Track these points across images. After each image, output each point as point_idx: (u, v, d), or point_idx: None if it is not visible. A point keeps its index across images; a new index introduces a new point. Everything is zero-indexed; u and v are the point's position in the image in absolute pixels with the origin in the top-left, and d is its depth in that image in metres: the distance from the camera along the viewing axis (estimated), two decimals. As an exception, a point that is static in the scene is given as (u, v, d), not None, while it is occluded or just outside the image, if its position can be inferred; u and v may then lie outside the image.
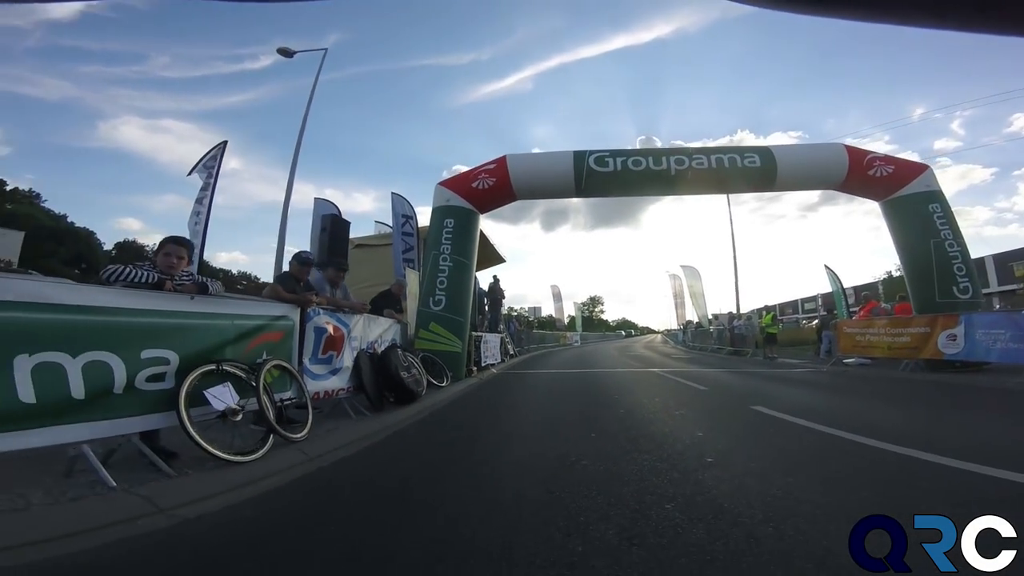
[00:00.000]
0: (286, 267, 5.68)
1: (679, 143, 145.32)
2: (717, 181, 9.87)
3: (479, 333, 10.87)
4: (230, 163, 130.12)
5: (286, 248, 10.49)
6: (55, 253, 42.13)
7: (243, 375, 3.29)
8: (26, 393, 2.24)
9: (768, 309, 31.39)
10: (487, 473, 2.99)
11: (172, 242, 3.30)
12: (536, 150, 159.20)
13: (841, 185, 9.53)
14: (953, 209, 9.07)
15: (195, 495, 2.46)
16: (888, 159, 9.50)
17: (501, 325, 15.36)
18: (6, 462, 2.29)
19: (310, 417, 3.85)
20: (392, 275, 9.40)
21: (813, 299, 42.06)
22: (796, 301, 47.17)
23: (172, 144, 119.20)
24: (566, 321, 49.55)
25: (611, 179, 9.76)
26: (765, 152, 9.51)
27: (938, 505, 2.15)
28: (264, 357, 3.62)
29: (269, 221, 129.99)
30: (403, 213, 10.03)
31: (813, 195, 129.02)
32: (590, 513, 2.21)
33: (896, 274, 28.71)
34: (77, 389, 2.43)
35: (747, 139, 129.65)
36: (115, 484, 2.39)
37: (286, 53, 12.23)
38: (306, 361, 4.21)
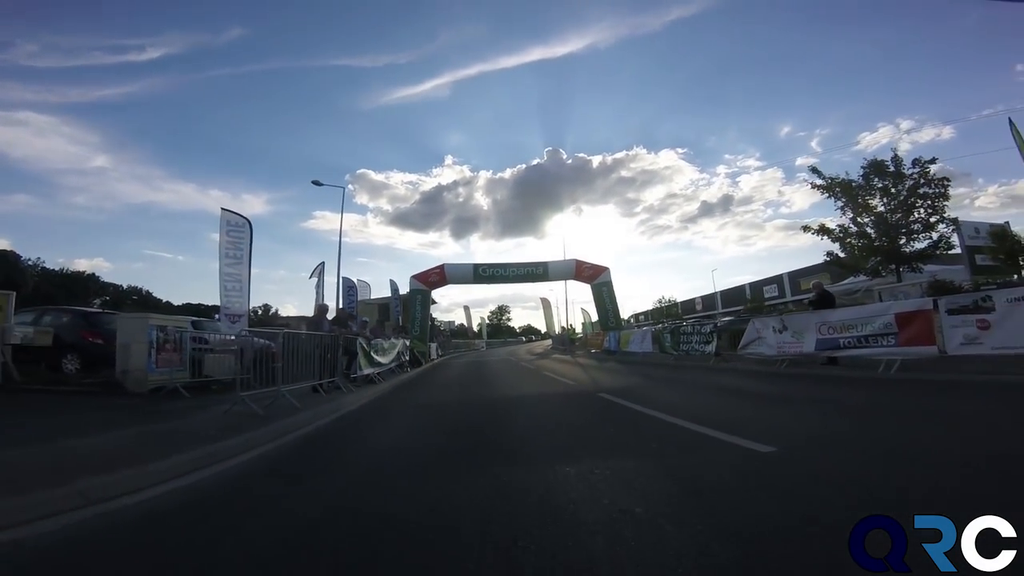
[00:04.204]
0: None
1: (582, 155, 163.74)
2: (534, 277, 23.53)
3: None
4: (96, 160, 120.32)
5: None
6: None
7: (385, 360, 15.55)
8: (371, 358, 14.42)
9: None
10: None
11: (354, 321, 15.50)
12: (449, 158, 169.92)
13: (574, 276, 23.64)
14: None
15: (362, 399, 14.71)
16: (592, 266, 23.74)
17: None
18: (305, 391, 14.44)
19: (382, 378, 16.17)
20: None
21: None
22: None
23: (28, 138, 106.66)
24: (476, 330, 63.21)
25: (489, 274, 22.94)
26: (543, 265, 23.36)
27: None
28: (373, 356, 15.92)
29: (140, 225, 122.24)
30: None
31: (693, 208, 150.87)
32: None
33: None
34: (370, 361, 14.63)
35: (641, 154, 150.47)
36: (346, 391, 14.63)
37: (317, 183, 23.49)
38: (377, 357, 16.41)
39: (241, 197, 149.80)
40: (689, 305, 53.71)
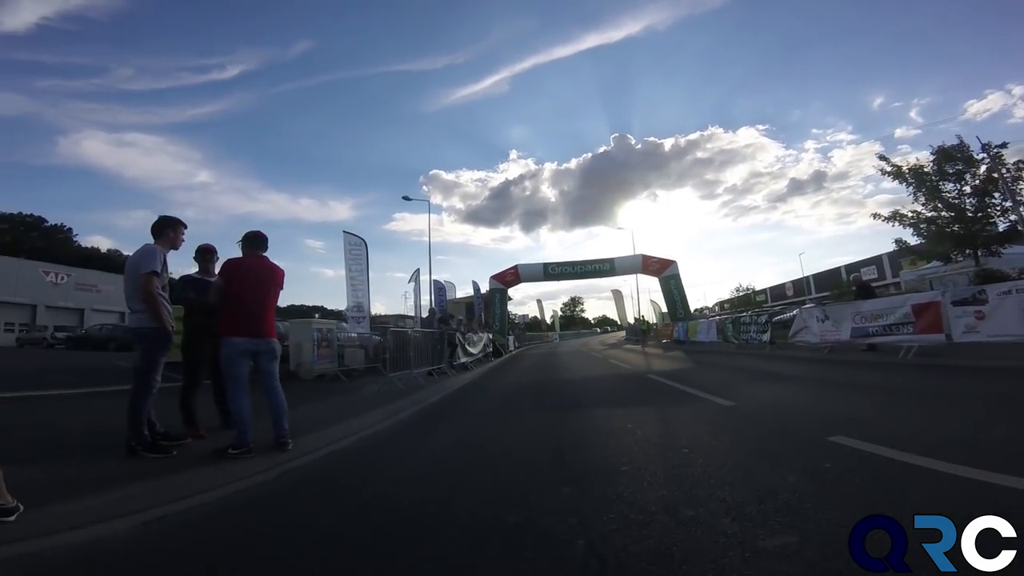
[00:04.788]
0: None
1: (652, 139, 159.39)
2: (601, 273, 25.19)
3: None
4: (200, 176, 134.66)
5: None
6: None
7: (475, 350, 18.18)
8: (466, 350, 17.12)
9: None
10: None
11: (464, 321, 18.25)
12: (513, 152, 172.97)
13: (641, 270, 24.90)
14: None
15: (464, 380, 17.27)
16: (658, 260, 24.82)
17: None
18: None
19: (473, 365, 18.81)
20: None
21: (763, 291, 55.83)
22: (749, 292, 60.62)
23: (138, 158, 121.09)
24: (549, 322, 65.58)
25: (558, 272, 25.01)
26: (610, 261, 24.85)
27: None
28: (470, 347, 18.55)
29: (239, 235, 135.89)
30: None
31: (781, 186, 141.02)
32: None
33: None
34: (464, 352, 17.32)
35: (717, 133, 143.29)
36: (451, 375, 17.27)
37: (407, 199, 26.90)
38: (470, 349, 19.05)
39: (328, 204, 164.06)
40: (779, 291, 51.49)
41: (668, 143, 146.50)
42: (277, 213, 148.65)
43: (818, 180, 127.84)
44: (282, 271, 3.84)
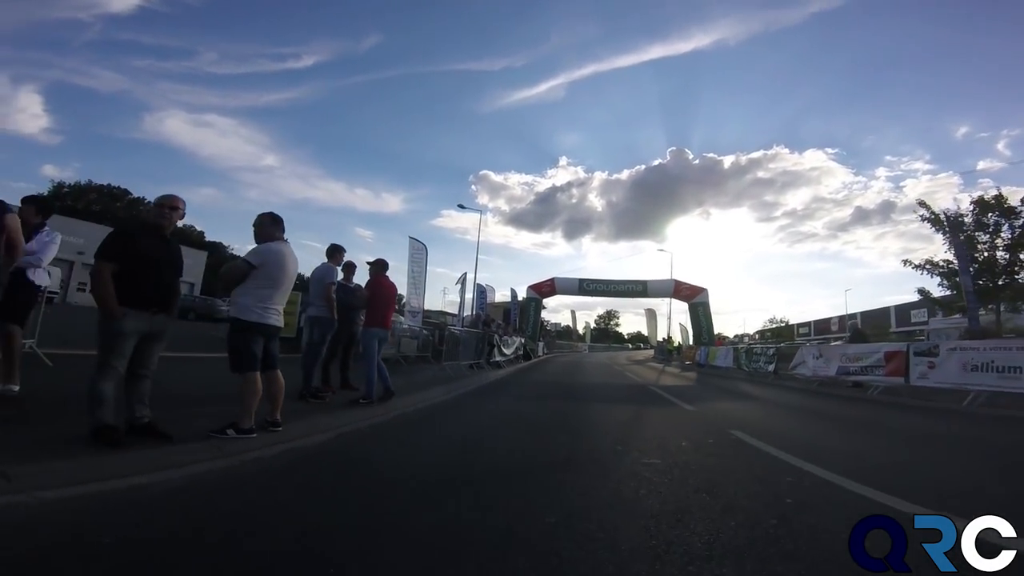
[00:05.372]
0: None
1: (712, 155, 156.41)
2: (634, 293, 26.83)
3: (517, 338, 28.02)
4: (266, 159, 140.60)
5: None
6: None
7: (508, 351, 20.34)
8: (501, 350, 19.32)
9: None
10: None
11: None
12: (563, 159, 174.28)
13: (672, 295, 26.33)
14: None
15: (500, 375, 19.42)
16: (690, 286, 26.19)
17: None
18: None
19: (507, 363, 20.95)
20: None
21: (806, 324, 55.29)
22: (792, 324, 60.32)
23: (214, 138, 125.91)
24: (581, 332, 67.11)
25: (592, 288, 26.87)
26: (643, 283, 26.43)
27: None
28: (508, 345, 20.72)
29: (298, 218, 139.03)
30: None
31: (845, 214, 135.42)
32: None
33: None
34: (500, 352, 19.51)
35: (782, 154, 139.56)
36: (488, 370, 19.44)
37: (462, 207, 29.77)
38: (504, 350, 21.20)
39: (381, 195, 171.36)
40: (823, 325, 49.83)
41: (728, 160, 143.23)
42: (332, 200, 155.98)
43: (885, 211, 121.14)
44: (396, 287, 6.15)
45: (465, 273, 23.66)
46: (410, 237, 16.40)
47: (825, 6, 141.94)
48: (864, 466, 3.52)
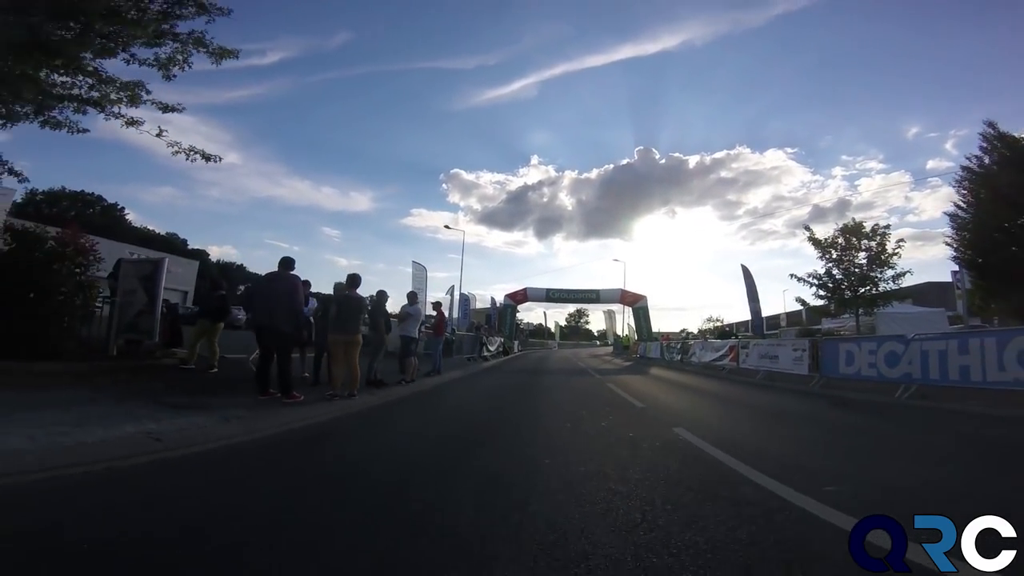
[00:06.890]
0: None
1: (677, 155, 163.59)
2: (590, 300, 32.97)
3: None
4: (228, 157, 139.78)
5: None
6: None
7: (492, 348, 26.03)
8: (487, 347, 25.00)
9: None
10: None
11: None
12: (535, 158, 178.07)
13: (620, 301, 32.64)
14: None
15: (489, 364, 25.10)
16: (633, 294, 32.53)
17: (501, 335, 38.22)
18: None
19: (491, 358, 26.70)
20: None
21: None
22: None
23: (172, 136, 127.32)
24: (552, 330, 73.72)
25: (557, 296, 32.87)
26: (596, 292, 32.65)
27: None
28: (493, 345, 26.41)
29: (263, 217, 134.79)
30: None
31: (803, 212, 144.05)
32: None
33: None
34: (487, 348, 25.21)
35: (744, 154, 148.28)
36: (480, 362, 25.12)
37: (448, 227, 35.09)
38: (489, 347, 26.88)
39: (349, 194, 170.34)
40: (774, 321, 53.27)
41: (693, 160, 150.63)
42: (298, 199, 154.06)
43: (841, 208, 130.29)
44: (443, 315, 11.79)
45: (452, 286, 29.25)
46: (413, 261, 22.03)
47: (790, 7, 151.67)
48: (685, 411, 9.43)
